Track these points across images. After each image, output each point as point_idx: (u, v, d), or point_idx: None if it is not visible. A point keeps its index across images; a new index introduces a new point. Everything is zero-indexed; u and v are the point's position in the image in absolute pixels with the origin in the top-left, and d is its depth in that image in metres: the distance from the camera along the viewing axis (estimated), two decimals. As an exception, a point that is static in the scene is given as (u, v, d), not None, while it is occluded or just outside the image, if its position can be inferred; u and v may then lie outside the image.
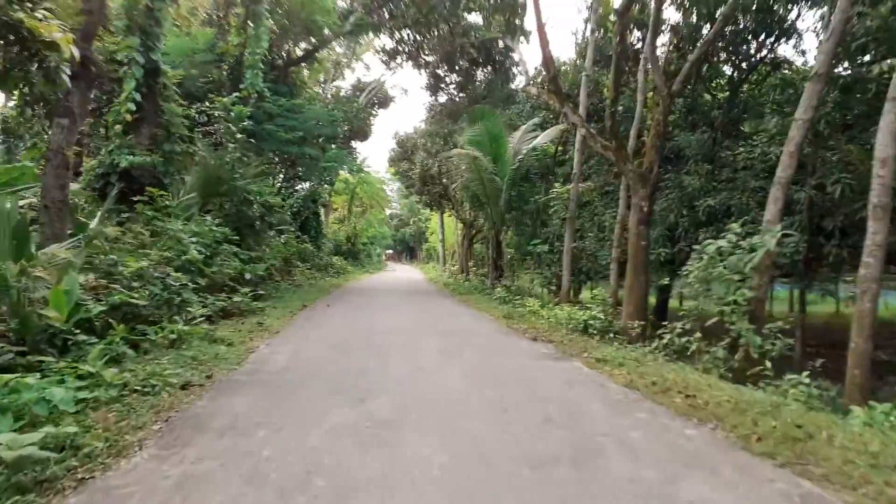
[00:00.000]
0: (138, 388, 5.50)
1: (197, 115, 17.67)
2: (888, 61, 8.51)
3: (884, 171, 7.43)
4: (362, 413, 5.14)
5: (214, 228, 12.55)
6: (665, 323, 13.82)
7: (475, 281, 26.59)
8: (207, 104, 17.29)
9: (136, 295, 7.75)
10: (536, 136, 21.99)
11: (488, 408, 5.42)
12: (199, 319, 8.58)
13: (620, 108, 12.45)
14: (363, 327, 10.99)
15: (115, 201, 12.50)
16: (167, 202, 12.03)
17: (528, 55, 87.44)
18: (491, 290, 20.61)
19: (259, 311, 12.16)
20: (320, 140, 20.35)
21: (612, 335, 10.93)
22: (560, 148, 23.56)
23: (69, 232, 10.48)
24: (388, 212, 77.02)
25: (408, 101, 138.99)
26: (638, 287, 11.34)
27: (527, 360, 8.09)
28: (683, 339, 9.27)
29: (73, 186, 14.45)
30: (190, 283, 9.97)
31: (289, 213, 32.42)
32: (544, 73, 13.43)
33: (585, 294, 21.32)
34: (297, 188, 32.64)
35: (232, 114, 15.90)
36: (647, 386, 6.59)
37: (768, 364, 7.51)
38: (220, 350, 7.68)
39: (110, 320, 7.02)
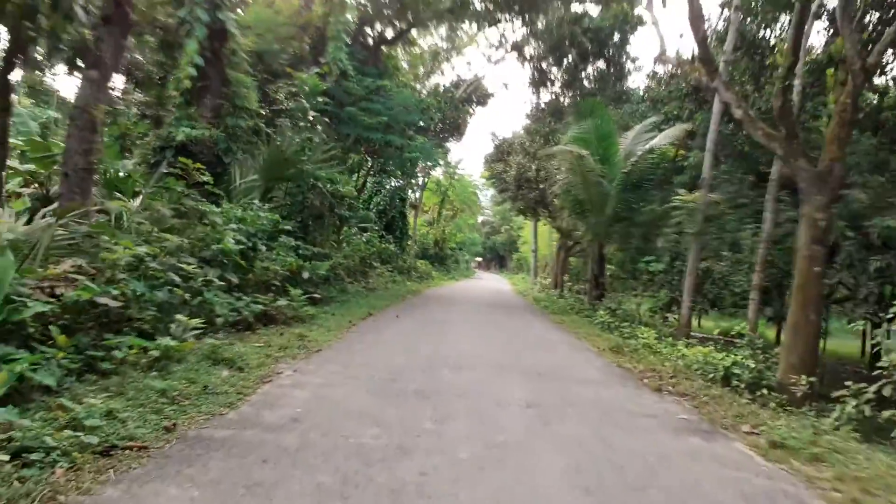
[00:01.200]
0: (26, 452, 3.28)
1: (283, 99, 15.92)
2: None
3: None
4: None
5: (262, 214, 10.47)
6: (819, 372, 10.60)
7: (570, 298, 23.69)
8: (287, 82, 15.52)
9: (113, 290, 5.60)
10: (653, 137, 19.02)
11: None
12: (196, 332, 6.33)
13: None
14: (428, 354, 8.48)
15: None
16: (202, 178, 9.94)
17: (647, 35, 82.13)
18: (591, 311, 17.70)
19: (310, 319, 10.00)
20: (407, 129, 18.14)
21: (765, 391, 7.92)
22: (680, 153, 20.32)
23: (97, 208, 8.78)
24: (479, 218, 74.62)
25: (507, 101, 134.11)
26: (807, 328, 8.23)
27: (661, 434, 5.30)
28: (887, 413, 6.22)
29: (128, 163, 13.01)
30: (216, 280, 7.91)
31: (374, 210, 30.80)
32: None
33: (704, 324, 18.00)
34: (384, 185, 30.89)
35: (306, 88, 13.93)
36: (890, 519, 3.75)
37: None
38: (217, 379, 5.40)
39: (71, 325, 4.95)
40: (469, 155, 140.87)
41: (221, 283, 7.77)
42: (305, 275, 11.62)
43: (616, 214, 19.88)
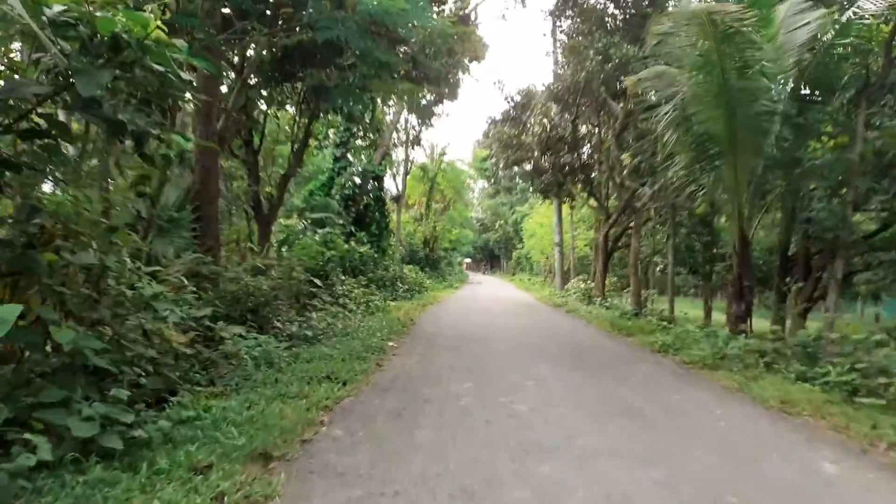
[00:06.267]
0: None
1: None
2: None
3: None
4: None
5: None
6: None
7: (686, 322, 14.19)
8: None
9: None
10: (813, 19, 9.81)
11: None
12: None
13: None
14: None
15: None
16: None
17: None
18: (806, 361, 7.93)
19: None
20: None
21: None
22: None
23: None
24: (471, 213, 64.49)
25: (502, 67, 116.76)
26: None
27: None
28: None
29: None
30: None
31: (337, 197, 21.06)
32: None
33: None
34: (348, 159, 21.18)
35: None
36: None
37: None
38: None
39: None
40: (454, 139, 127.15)
41: None
42: None
43: (784, 154, 10.68)
